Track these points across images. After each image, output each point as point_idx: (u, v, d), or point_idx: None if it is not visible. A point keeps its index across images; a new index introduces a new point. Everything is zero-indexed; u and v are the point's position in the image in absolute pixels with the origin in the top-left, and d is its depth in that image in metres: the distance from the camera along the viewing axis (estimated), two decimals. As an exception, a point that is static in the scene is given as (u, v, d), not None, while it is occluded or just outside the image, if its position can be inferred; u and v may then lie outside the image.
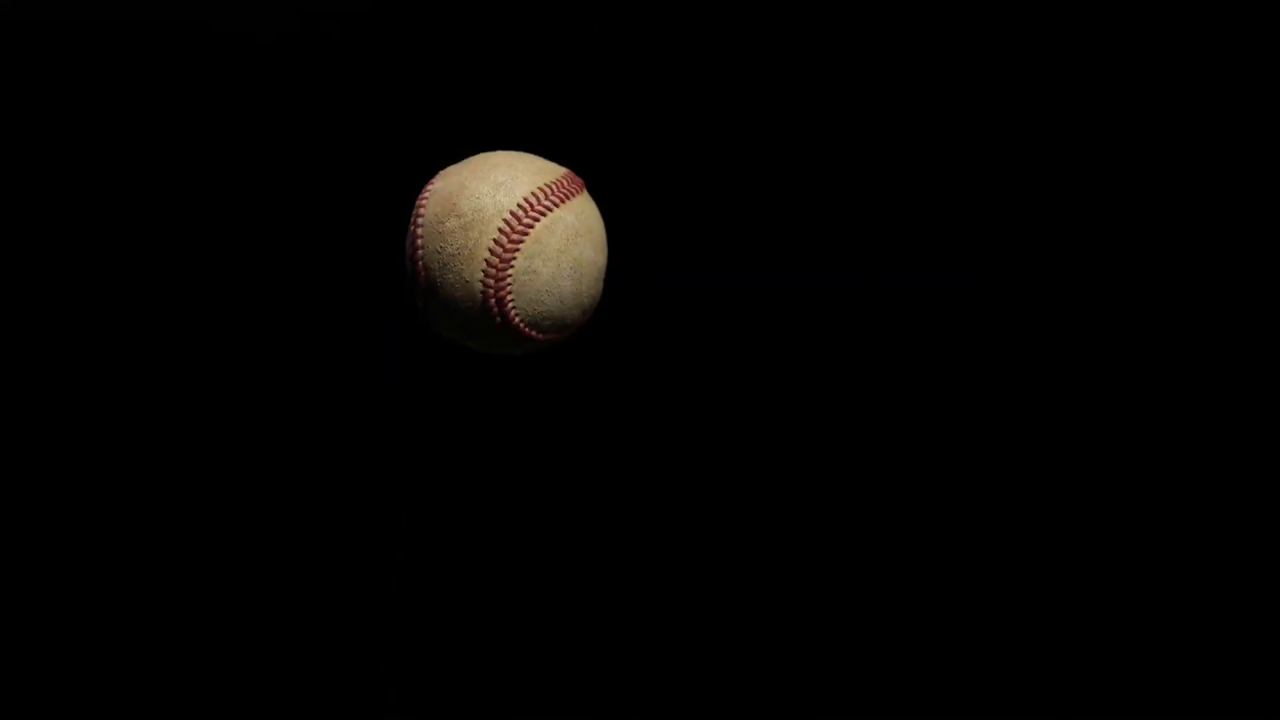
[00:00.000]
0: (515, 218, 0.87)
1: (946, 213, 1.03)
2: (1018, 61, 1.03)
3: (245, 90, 1.03)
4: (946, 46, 1.04)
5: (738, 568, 1.01)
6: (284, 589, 1.00)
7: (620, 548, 1.00)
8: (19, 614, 0.99)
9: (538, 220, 0.87)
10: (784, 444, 1.02)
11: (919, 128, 1.03)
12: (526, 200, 0.87)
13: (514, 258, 0.87)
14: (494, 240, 0.87)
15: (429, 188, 0.89)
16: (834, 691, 1.00)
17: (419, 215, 0.88)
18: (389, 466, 1.00)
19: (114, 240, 1.02)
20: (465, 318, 0.87)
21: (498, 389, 0.99)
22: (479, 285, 0.87)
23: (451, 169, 0.90)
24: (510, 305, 0.87)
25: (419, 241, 0.87)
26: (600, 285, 0.91)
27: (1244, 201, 1.02)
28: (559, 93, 1.03)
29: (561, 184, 0.89)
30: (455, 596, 1.00)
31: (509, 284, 0.87)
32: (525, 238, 0.87)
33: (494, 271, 0.87)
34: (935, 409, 1.02)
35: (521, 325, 0.87)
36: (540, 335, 0.88)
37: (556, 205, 0.88)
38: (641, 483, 1.01)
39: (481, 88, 1.03)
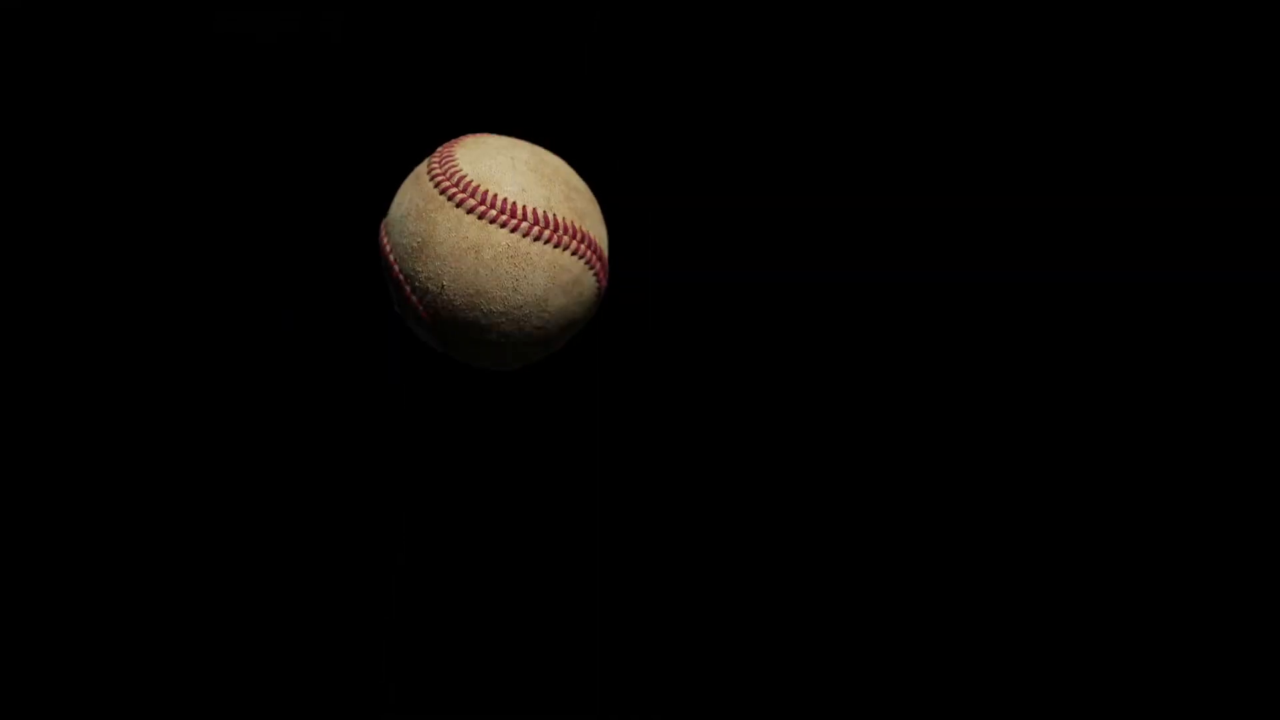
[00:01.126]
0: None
1: (946, 213, 1.03)
2: (1018, 61, 1.03)
3: (245, 90, 1.03)
4: (946, 47, 1.04)
5: (738, 567, 1.01)
6: (284, 589, 0.99)
7: (620, 546, 1.00)
8: (20, 614, 0.99)
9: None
10: (784, 443, 1.02)
11: (919, 128, 1.04)
12: None
13: (461, 142, 0.85)
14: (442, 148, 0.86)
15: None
16: (833, 692, 1.00)
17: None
18: (389, 465, 1.00)
19: (114, 240, 1.02)
20: (422, 211, 0.83)
21: (498, 388, 0.99)
22: (427, 172, 0.84)
23: None
24: (458, 170, 0.83)
25: (386, 240, 0.86)
26: (579, 204, 0.85)
27: (1244, 201, 1.02)
28: (559, 94, 1.03)
29: None
30: (455, 597, 1.00)
31: (455, 154, 0.83)
32: (472, 137, 0.85)
33: (440, 154, 0.84)
34: (935, 409, 1.02)
35: (478, 188, 0.82)
36: (509, 214, 0.82)
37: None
38: (641, 482, 1.01)
39: (482, 88, 1.03)
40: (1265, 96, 1.02)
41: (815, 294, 1.03)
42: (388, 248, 0.86)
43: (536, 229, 0.83)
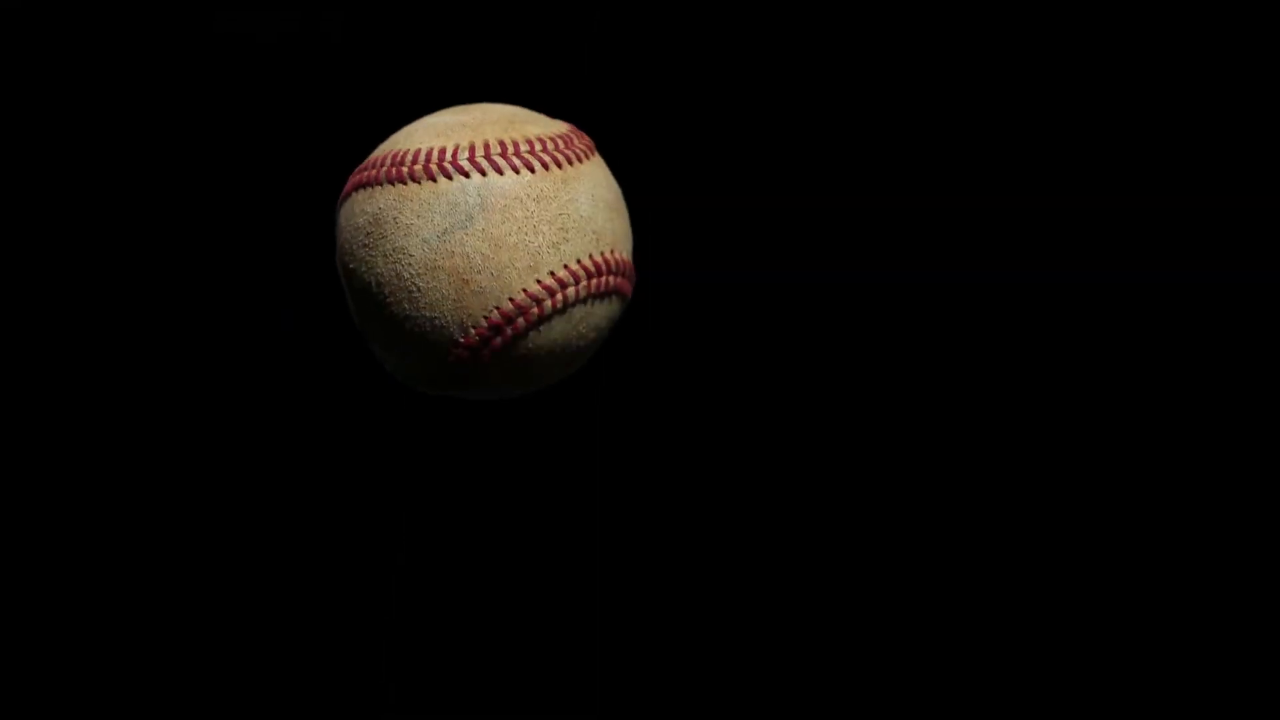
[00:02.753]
0: None
1: (946, 213, 1.03)
2: (1018, 62, 1.03)
3: (245, 90, 1.03)
4: (947, 48, 1.04)
5: (738, 567, 1.01)
6: (285, 589, 0.99)
7: (621, 547, 1.00)
8: (20, 614, 0.99)
9: None
10: (784, 443, 1.02)
11: (919, 128, 1.04)
12: None
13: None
14: None
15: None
16: (833, 694, 1.00)
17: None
18: (390, 465, 1.00)
19: (115, 240, 1.02)
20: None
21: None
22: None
23: None
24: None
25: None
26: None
27: (1244, 201, 1.02)
28: (560, 94, 1.03)
29: None
30: (455, 597, 1.00)
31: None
32: None
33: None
34: (935, 409, 1.02)
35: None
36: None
37: None
38: (641, 481, 1.01)
39: (484, 89, 1.03)
40: (1265, 96, 1.02)
41: (815, 294, 1.03)
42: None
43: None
